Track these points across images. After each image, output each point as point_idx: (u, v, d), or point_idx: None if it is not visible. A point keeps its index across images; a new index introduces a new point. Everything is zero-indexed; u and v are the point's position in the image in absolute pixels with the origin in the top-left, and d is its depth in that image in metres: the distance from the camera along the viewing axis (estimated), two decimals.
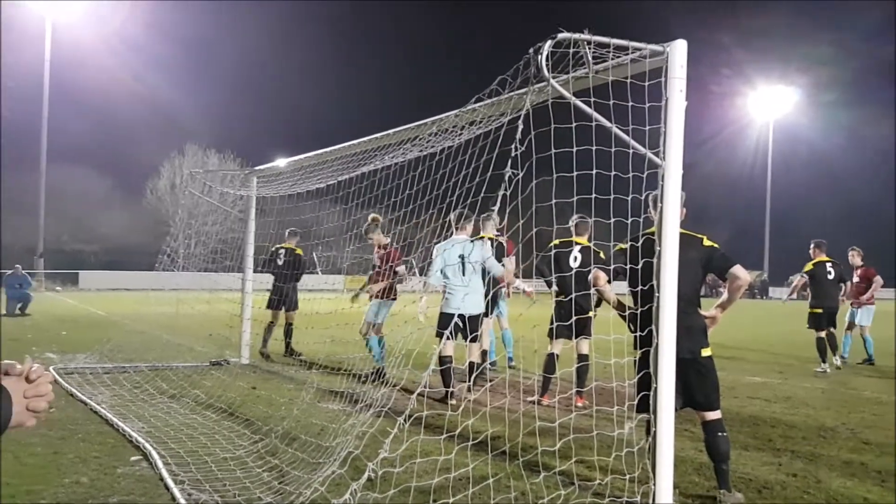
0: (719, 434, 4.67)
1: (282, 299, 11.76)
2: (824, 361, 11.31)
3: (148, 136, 60.58)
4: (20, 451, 5.41)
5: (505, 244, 9.09)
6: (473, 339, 7.92)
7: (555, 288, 7.94)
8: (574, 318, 7.26)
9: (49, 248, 45.04)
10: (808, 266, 12.01)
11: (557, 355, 7.86)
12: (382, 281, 9.37)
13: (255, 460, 5.42)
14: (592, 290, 5.11)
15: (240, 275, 11.40)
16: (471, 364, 7.81)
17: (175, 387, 8.41)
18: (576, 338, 7.76)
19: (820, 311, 11.68)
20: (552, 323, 7.69)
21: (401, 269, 9.42)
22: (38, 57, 43.90)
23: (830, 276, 11.76)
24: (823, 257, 11.91)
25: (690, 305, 4.70)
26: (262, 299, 11.25)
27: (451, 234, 7.97)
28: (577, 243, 7.89)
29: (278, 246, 12.06)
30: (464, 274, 7.88)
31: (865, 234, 43.80)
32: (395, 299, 9.52)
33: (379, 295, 9.40)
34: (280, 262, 11.95)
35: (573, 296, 7.28)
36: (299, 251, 12.17)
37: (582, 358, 7.83)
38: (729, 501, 4.60)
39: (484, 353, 8.57)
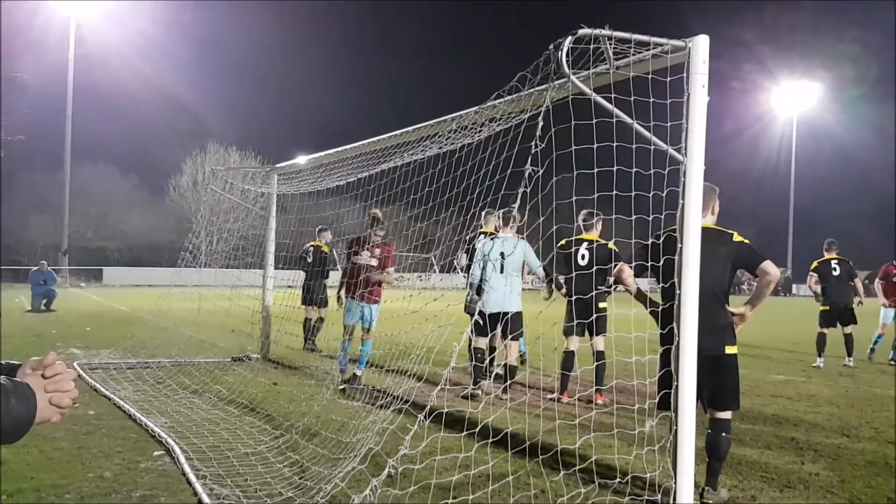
0: (723, 434, 4.63)
1: (309, 296, 11.99)
2: (820, 356, 11.71)
3: (169, 134, 61.13)
4: (45, 446, 5.49)
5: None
6: (508, 338, 7.74)
7: (563, 289, 7.92)
8: (586, 315, 7.22)
9: (73, 244, 45.75)
10: (814, 264, 12.44)
11: (574, 352, 7.83)
12: (369, 281, 8.57)
13: (276, 456, 5.45)
14: (619, 288, 5.07)
15: (261, 271, 11.50)
16: (507, 367, 7.76)
17: (197, 382, 8.48)
18: (591, 335, 7.73)
19: (828, 308, 12.08)
20: (568, 321, 7.68)
21: (390, 269, 8.70)
22: (63, 56, 44.57)
23: (835, 273, 12.07)
24: (830, 255, 12.26)
25: (717, 302, 4.62)
26: (282, 296, 11.34)
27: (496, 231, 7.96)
28: (585, 240, 7.83)
29: (308, 244, 12.35)
30: (501, 272, 7.80)
31: (892, 230, 43.15)
32: (378, 302, 8.77)
33: (367, 297, 8.61)
34: (309, 260, 12.23)
35: (584, 294, 7.27)
36: (326, 248, 12.39)
37: (599, 356, 7.78)
38: (713, 500, 4.59)
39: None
